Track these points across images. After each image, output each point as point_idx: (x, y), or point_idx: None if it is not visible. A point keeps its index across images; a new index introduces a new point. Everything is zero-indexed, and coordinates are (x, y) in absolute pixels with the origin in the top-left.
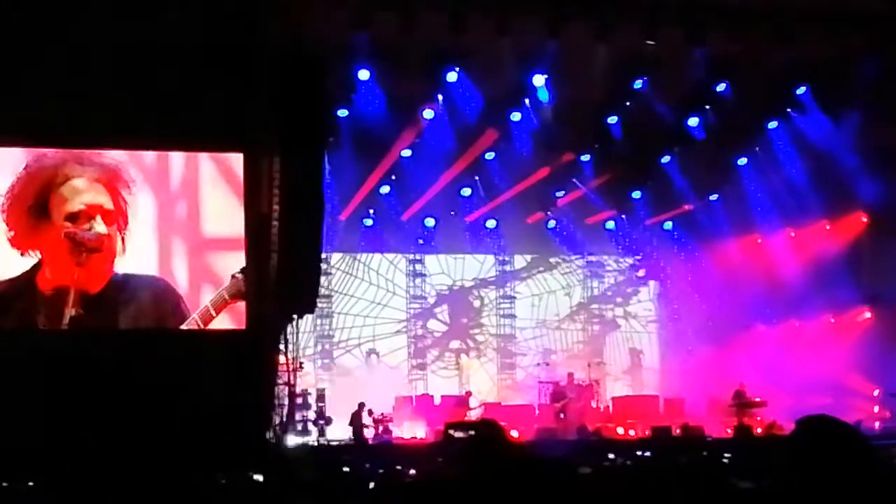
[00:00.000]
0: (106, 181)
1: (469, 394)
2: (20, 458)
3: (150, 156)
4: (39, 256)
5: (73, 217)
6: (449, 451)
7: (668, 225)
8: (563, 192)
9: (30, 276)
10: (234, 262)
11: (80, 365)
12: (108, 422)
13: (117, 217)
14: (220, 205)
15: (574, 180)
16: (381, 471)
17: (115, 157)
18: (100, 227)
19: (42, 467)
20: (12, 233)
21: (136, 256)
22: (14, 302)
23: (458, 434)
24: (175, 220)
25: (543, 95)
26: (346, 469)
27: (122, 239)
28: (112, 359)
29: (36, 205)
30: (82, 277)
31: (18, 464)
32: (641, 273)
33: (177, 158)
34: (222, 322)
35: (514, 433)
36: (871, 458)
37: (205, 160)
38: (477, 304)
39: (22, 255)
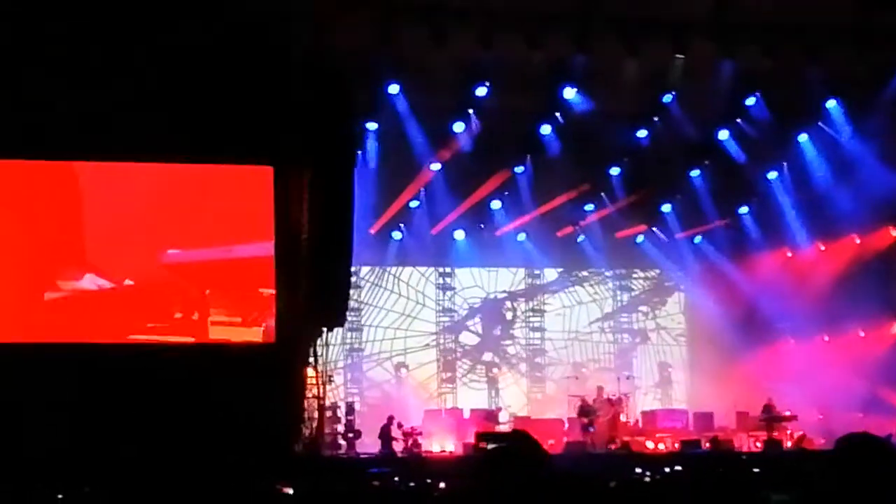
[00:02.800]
0: None
1: (500, 409)
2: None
3: None
4: None
5: None
6: (479, 461)
7: (698, 238)
8: (592, 206)
9: None
10: None
11: (110, 379)
12: (140, 435)
13: None
14: None
15: (602, 194)
16: (410, 484)
17: None
18: None
19: (75, 477)
20: None
21: None
22: None
23: (491, 445)
24: None
25: (576, 100)
26: (375, 483)
27: None
28: (143, 372)
29: None
30: None
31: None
32: (670, 285)
33: None
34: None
35: None
36: None
37: None
38: (509, 315)
39: None
